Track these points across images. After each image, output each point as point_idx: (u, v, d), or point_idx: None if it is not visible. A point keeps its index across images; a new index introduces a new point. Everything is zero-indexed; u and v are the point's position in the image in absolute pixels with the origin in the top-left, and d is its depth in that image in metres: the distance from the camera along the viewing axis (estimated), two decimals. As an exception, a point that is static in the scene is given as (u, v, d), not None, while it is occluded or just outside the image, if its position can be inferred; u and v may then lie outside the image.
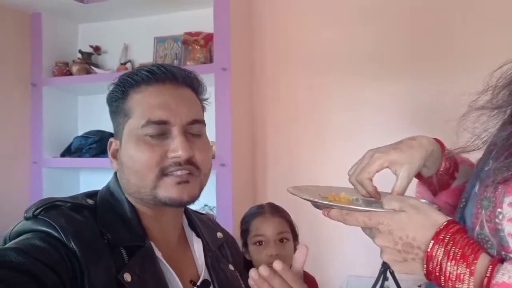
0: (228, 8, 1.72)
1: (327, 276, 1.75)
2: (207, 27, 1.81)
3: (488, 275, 0.48)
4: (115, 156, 0.77)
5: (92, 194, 0.75)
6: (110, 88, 0.77)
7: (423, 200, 0.63)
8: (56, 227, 0.63)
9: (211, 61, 1.81)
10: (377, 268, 1.55)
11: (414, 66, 1.73)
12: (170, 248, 0.76)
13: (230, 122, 1.70)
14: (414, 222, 0.54)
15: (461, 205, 0.62)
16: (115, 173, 0.79)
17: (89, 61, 2.07)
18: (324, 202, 0.61)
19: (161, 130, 0.72)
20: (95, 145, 1.99)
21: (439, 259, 0.51)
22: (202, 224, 0.87)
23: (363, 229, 0.59)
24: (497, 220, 0.51)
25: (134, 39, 2.08)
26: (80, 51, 2.09)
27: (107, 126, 1.95)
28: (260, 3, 1.96)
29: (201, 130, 0.77)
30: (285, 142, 1.91)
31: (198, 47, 1.85)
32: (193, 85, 0.78)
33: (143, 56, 2.04)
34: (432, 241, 0.52)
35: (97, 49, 2.13)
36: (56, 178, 2.06)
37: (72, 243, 0.62)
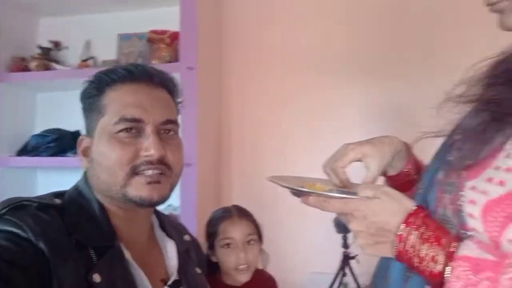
0: (196, 6, 1.71)
1: (290, 275, 1.78)
2: (174, 25, 1.79)
3: (453, 250, 0.54)
4: (85, 153, 0.76)
5: (59, 194, 0.74)
6: (84, 85, 0.76)
7: None
8: (24, 227, 0.61)
9: (177, 60, 1.80)
10: (338, 264, 1.60)
11: (388, 67, 1.78)
12: (140, 249, 0.76)
13: (196, 122, 1.69)
14: (386, 207, 0.59)
15: (420, 192, 0.67)
16: (85, 173, 0.77)
17: (48, 56, 2.00)
18: (304, 189, 0.65)
19: (134, 128, 0.72)
20: (53, 143, 1.92)
21: (413, 241, 0.56)
22: (171, 226, 0.87)
23: (339, 215, 0.64)
24: (459, 202, 0.56)
25: (97, 35, 2.02)
26: (39, 46, 2.01)
27: (67, 124, 1.93)
28: (229, 1, 1.96)
29: (175, 130, 0.77)
30: (252, 142, 1.93)
31: (164, 46, 1.83)
32: (169, 86, 0.79)
33: (106, 53, 1.99)
34: (404, 225, 0.57)
35: (57, 44, 2.05)
36: (12, 178, 1.97)
37: (40, 243, 0.61)
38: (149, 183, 0.71)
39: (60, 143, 1.92)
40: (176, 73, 1.66)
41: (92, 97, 0.75)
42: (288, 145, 1.88)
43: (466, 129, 0.58)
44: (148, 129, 0.72)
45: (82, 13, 2.01)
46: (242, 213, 1.30)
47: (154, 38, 1.84)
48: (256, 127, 1.92)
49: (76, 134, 1.95)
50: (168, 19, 1.83)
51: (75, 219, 0.70)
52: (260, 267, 1.34)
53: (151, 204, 0.73)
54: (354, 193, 0.63)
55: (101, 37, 2.02)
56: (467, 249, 0.52)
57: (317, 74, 1.85)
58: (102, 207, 0.74)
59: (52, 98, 2.07)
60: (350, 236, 1.57)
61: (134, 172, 0.71)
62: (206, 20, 1.80)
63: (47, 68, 1.93)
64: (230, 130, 1.95)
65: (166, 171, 0.73)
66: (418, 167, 0.78)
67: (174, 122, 0.77)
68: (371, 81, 1.80)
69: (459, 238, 0.55)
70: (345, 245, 1.60)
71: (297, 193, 0.66)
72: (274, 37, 1.91)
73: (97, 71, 0.77)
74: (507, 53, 0.57)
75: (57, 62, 2.00)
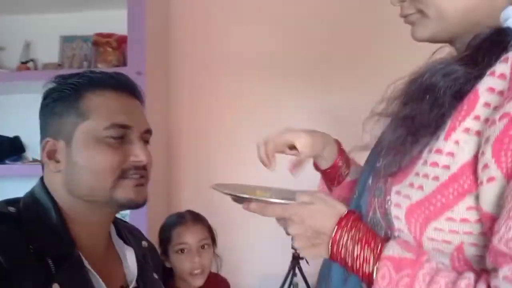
0: (143, 10, 1.69)
1: (242, 277, 1.81)
2: (120, 29, 1.75)
3: (379, 251, 0.58)
4: (52, 157, 0.74)
5: (13, 202, 0.72)
6: (50, 87, 0.76)
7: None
8: None
9: (124, 64, 1.76)
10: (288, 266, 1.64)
11: (331, 77, 1.85)
12: (98, 256, 0.76)
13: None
14: (321, 212, 0.63)
15: (355, 196, 0.72)
16: (41, 179, 0.75)
17: (-18, 58, 1.88)
18: (245, 196, 0.68)
19: (123, 134, 0.74)
20: (-10, 150, 1.81)
21: (345, 243, 0.61)
22: (129, 233, 0.87)
23: (278, 220, 0.67)
24: (386, 206, 0.61)
25: (38, 37, 1.93)
26: (-29, 47, 1.89)
27: (4, 129, 1.81)
28: (178, 5, 1.96)
29: (150, 139, 0.82)
30: (202, 148, 1.93)
31: (111, 49, 1.78)
32: (140, 97, 0.82)
33: (48, 55, 1.90)
34: (336, 227, 0.61)
35: (-8, 45, 1.94)
36: None
37: None
38: (136, 185, 0.75)
39: (-3, 149, 1.81)
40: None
41: (68, 101, 0.74)
42: (238, 151, 1.90)
43: (387, 142, 0.64)
44: (135, 136, 0.76)
45: (21, 12, 1.90)
46: (196, 218, 1.31)
47: (100, 41, 1.79)
48: (206, 132, 1.93)
49: (15, 140, 1.85)
50: (113, 22, 1.79)
51: (32, 228, 0.68)
52: (213, 270, 1.35)
53: (138, 206, 0.76)
54: (292, 199, 0.66)
55: (42, 38, 1.92)
56: (391, 250, 0.57)
57: (265, 79, 1.89)
58: (60, 214, 0.72)
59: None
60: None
61: (122, 176, 0.73)
62: (154, 24, 1.78)
63: (-20, 70, 1.82)
64: (180, 136, 1.94)
65: (145, 176, 0.78)
66: (348, 162, 0.86)
67: (151, 132, 0.81)
68: (315, 90, 1.87)
69: (386, 239, 0.60)
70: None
71: (239, 199, 0.69)
72: (222, 41, 1.93)
73: (66, 75, 0.77)
74: (418, 72, 0.62)
75: (-8, 64, 1.89)
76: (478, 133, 0.53)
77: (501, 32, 0.57)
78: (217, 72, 1.93)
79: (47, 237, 0.68)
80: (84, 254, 0.72)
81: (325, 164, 0.85)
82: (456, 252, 0.55)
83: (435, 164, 0.56)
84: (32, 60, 1.89)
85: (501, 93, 0.53)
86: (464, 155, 0.54)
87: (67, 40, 1.91)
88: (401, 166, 0.59)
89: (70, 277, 0.66)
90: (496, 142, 0.51)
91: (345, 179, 0.86)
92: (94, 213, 0.76)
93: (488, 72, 0.54)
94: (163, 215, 1.44)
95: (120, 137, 0.74)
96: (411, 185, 0.57)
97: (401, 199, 0.58)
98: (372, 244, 0.59)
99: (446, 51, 0.66)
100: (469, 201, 0.53)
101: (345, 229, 0.61)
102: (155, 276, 0.89)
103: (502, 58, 0.54)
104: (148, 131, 0.80)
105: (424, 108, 0.58)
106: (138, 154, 0.75)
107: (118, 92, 0.77)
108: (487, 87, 0.54)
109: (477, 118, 0.54)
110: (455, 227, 0.54)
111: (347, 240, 0.60)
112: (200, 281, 1.24)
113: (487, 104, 0.53)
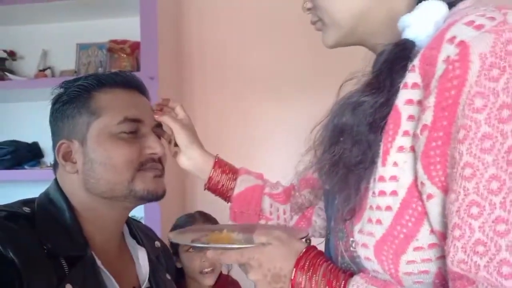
0: (156, 17, 1.73)
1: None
2: (133, 35, 1.80)
3: None
4: (68, 158, 0.75)
5: (28, 202, 0.73)
6: (58, 92, 0.77)
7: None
8: None
9: (138, 69, 1.80)
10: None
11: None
12: (111, 257, 0.76)
13: (158, 131, 1.69)
14: (279, 253, 0.59)
15: (327, 238, 0.68)
16: (55, 180, 0.76)
17: (2, 66, 1.94)
18: (198, 245, 0.64)
19: (136, 128, 0.75)
20: (9, 156, 1.86)
21: (303, 286, 0.56)
22: (142, 233, 0.88)
23: (239, 265, 0.63)
24: (351, 248, 0.57)
25: (55, 45, 1.99)
26: (-8, 56, 1.95)
27: (23, 135, 1.87)
28: (188, 11, 1.99)
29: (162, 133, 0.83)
30: (214, 151, 1.94)
31: (124, 55, 1.83)
32: (146, 93, 0.84)
33: (65, 63, 1.96)
34: (295, 269, 0.57)
35: (11, 54, 2.00)
36: (-37, 192, 1.88)
37: (10, 253, 0.60)
38: (155, 176, 0.76)
39: (16, 155, 1.86)
40: (137, 83, 1.67)
41: (78, 102, 0.75)
42: (250, 156, 1.91)
43: (329, 191, 0.60)
44: (147, 129, 0.77)
45: (39, 22, 1.97)
46: (206, 218, 1.32)
47: (114, 48, 1.84)
48: (218, 136, 1.94)
49: (34, 146, 1.90)
50: (127, 29, 1.84)
51: (46, 228, 0.68)
52: (224, 272, 1.36)
53: (157, 197, 0.76)
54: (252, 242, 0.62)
55: (59, 46, 1.98)
56: (356, 285, 0.54)
57: (274, 85, 1.89)
58: (74, 214, 0.73)
59: (7, 109, 2.01)
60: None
61: (140, 168, 0.74)
62: (165, 31, 1.82)
63: (0, 78, 1.88)
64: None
65: (162, 168, 0.79)
66: (236, 173, 0.88)
67: (162, 126, 0.83)
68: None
69: (350, 275, 0.56)
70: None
71: (196, 248, 0.65)
72: (233, 47, 1.95)
73: (72, 80, 0.78)
74: (332, 112, 0.59)
75: (11, 72, 1.95)
76: (413, 149, 0.50)
77: (400, 47, 0.55)
78: (228, 77, 1.95)
79: (60, 237, 0.69)
80: (97, 254, 0.72)
81: (203, 174, 0.89)
82: (438, 280, 0.51)
83: (383, 193, 0.52)
84: (49, 68, 1.95)
85: (419, 102, 0.50)
86: (407, 177, 0.51)
87: (83, 47, 1.96)
88: (355, 204, 0.56)
89: (83, 277, 0.66)
90: (423, 157, 0.48)
91: (232, 193, 0.85)
92: (111, 210, 0.76)
93: (401, 86, 0.52)
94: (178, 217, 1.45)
95: (133, 131, 0.75)
96: (370, 220, 0.53)
97: (366, 237, 0.54)
98: (334, 283, 0.55)
99: (354, 82, 0.61)
100: (428, 224, 0.50)
101: (302, 270, 0.57)
102: (168, 276, 0.89)
103: (410, 67, 0.51)
104: (159, 125, 0.82)
105: (346, 149, 0.56)
106: (152, 146, 0.75)
107: (126, 89, 0.78)
108: (405, 100, 0.51)
109: (406, 133, 0.51)
110: (426, 255, 0.50)
111: (305, 282, 0.56)
112: (210, 280, 1.25)
113: (411, 117, 0.51)
